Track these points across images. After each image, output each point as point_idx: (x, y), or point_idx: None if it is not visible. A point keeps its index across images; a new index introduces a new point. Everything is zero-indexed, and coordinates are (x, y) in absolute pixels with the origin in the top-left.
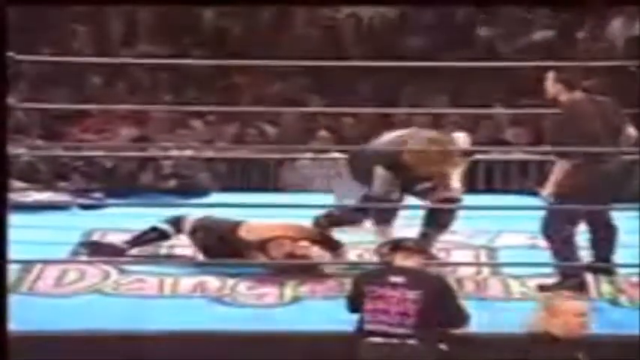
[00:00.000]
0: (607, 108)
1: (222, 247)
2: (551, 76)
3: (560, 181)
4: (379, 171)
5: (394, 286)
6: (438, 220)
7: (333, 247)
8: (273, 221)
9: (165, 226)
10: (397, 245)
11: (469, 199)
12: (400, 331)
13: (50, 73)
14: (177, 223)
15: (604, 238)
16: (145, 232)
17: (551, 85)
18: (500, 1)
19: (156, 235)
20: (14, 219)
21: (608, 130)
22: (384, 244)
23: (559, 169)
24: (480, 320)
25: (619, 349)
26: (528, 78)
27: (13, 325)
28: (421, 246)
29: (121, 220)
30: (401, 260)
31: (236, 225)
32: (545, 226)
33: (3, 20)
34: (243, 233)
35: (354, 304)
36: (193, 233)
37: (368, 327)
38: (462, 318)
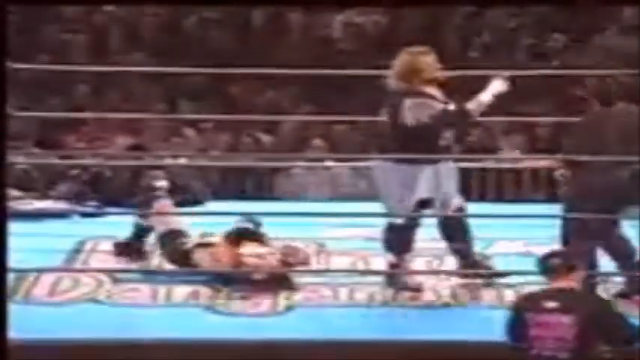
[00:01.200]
0: (633, 121)
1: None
2: (592, 81)
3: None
4: (407, 102)
5: (550, 311)
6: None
7: (263, 241)
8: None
9: None
10: (561, 264)
11: None
12: (560, 355)
13: (45, 81)
14: None
15: (619, 257)
16: None
17: (590, 91)
18: (500, 2)
19: None
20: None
21: (626, 144)
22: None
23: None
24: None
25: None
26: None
27: (10, 334)
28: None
29: (119, 228)
30: (557, 281)
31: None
32: (562, 237)
33: (3, 20)
34: (198, 256)
35: (516, 332)
36: (162, 244)
37: (532, 353)
38: (627, 337)
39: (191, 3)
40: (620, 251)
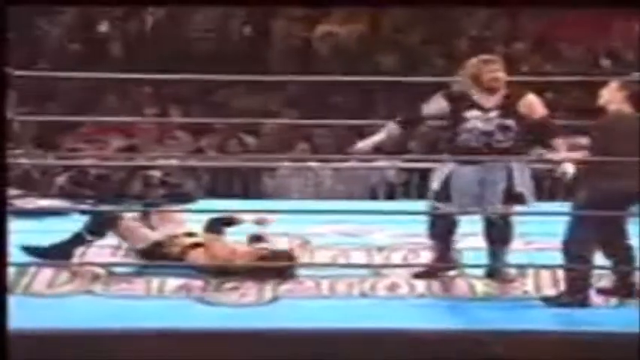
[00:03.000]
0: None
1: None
2: (614, 85)
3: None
4: (435, 96)
5: None
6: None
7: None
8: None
9: None
10: None
11: None
12: None
13: (44, 87)
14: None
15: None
16: None
17: (611, 93)
18: (500, 2)
19: None
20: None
21: (628, 151)
22: None
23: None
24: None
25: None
26: None
27: (11, 324)
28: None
29: None
30: None
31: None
32: (565, 238)
33: (3, 20)
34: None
35: None
36: (146, 258)
37: None
38: None
39: (191, 3)
40: (620, 257)
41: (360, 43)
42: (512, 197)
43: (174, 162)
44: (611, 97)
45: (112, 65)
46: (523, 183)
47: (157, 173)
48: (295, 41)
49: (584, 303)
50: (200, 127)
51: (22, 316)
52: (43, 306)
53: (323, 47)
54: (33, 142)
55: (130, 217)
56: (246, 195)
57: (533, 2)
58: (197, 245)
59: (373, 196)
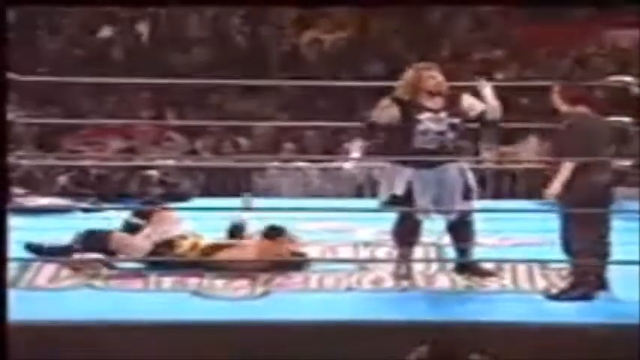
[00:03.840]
0: (603, 127)
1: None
2: (556, 88)
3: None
4: (384, 102)
5: None
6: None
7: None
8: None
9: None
10: None
11: None
12: None
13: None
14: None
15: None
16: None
17: (556, 97)
18: (502, 2)
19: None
20: (16, 221)
21: (599, 149)
22: None
23: (563, 172)
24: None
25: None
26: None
27: (14, 316)
28: None
29: (114, 222)
30: None
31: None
32: (563, 243)
33: (3, 21)
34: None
35: None
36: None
37: None
38: None
39: (190, 3)
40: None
41: (345, 48)
42: (469, 194)
43: (170, 162)
44: (558, 100)
45: (112, 68)
46: (473, 179)
47: (155, 173)
48: (284, 47)
49: (588, 297)
50: (195, 129)
51: (26, 308)
52: (45, 299)
53: (310, 52)
54: (35, 143)
55: (118, 231)
56: (238, 194)
57: (531, 1)
58: (220, 247)
59: (359, 195)
